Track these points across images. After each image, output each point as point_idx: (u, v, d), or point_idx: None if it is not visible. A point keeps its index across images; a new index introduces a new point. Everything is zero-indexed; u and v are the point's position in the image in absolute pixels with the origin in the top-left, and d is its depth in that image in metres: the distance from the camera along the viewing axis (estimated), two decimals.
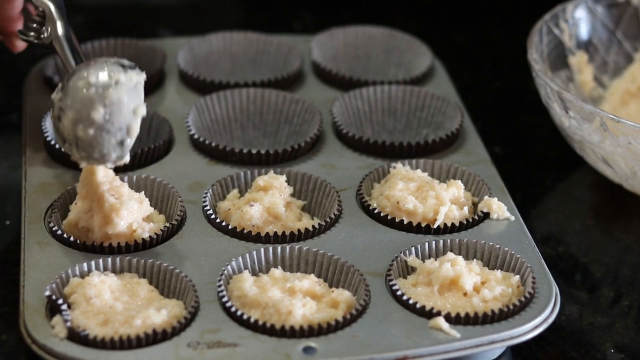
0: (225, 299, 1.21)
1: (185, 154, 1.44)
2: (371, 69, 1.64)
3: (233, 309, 1.20)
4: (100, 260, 1.25)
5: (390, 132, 1.52)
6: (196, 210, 1.34)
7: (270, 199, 1.33)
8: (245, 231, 1.30)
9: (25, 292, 1.22)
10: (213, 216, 1.32)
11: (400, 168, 1.39)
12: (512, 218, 1.35)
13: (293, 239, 1.30)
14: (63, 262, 1.26)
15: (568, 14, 1.61)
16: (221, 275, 1.23)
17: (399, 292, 1.23)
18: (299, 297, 1.21)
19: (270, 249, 1.27)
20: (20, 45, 1.42)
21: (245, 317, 1.19)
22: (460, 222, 1.33)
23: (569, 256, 1.42)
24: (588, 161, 1.50)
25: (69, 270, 1.23)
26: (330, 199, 1.36)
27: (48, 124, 1.43)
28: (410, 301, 1.22)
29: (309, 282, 1.23)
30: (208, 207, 1.33)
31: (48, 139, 1.41)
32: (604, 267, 1.41)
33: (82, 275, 1.24)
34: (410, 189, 1.35)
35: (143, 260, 1.25)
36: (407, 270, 1.28)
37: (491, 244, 1.29)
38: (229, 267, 1.25)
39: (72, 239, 1.28)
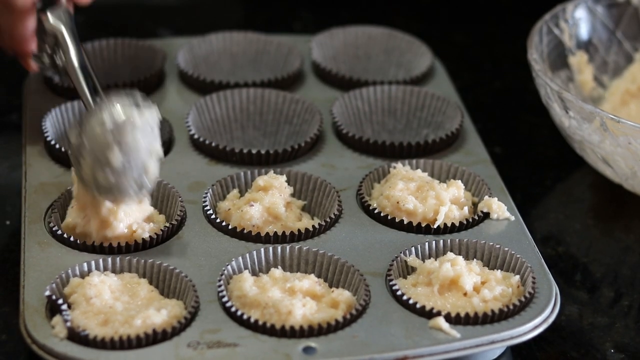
0: (225, 299, 1.21)
1: (185, 154, 1.44)
2: (371, 69, 1.64)
3: (233, 309, 1.20)
4: (100, 260, 1.25)
5: (390, 132, 1.52)
6: (196, 210, 1.34)
7: (270, 199, 1.33)
8: (245, 231, 1.30)
9: (25, 292, 1.22)
10: (213, 216, 1.32)
11: (400, 168, 1.39)
12: (512, 218, 1.35)
13: (293, 239, 1.30)
14: (63, 262, 1.26)
15: (568, 14, 1.61)
16: (221, 275, 1.23)
17: (399, 292, 1.23)
18: (299, 297, 1.21)
19: (270, 249, 1.27)
20: (36, 66, 1.42)
21: (245, 317, 1.19)
22: (460, 222, 1.33)
23: (569, 256, 1.42)
24: (588, 161, 1.50)
25: (69, 270, 1.23)
26: (330, 199, 1.36)
27: (48, 124, 1.43)
28: (410, 301, 1.22)
29: (309, 282, 1.23)
30: (208, 207, 1.33)
31: (48, 139, 1.41)
32: (604, 267, 1.41)
33: (82, 275, 1.24)
34: (410, 189, 1.35)
35: (143, 260, 1.25)
36: (407, 270, 1.28)
37: (491, 244, 1.29)
38: (229, 267, 1.25)
39: (72, 239, 1.28)
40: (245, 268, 1.26)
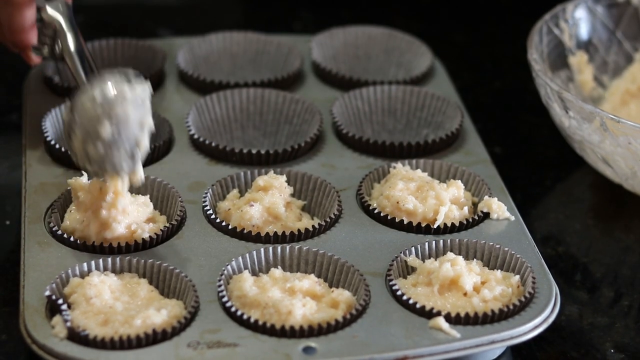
0: (225, 299, 1.21)
1: (185, 154, 1.44)
2: (371, 69, 1.64)
3: (233, 309, 1.20)
4: (100, 260, 1.25)
5: (390, 132, 1.52)
6: (196, 210, 1.34)
7: (270, 199, 1.33)
8: (245, 231, 1.30)
9: (25, 292, 1.22)
10: (213, 216, 1.32)
11: (400, 168, 1.39)
12: (512, 218, 1.35)
13: (293, 239, 1.30)
14: (63, 262, 1.26)
15: (568, 14, 1.61)
16: (221, 275, 1.23)
17: (399, 292, 1.23)
18: (299, 297, 1.21)
19: (270, 249, 1.27)
20: (36, 58, 1.42)
21: (245, 317, 1.19)
22: (460, 222, 1.33)
23: (569, 256, 1.42)
24: (588, 161, 1.50)
25: (69, 270, 1.23)
26: (330, 199, 1.36)
27: (48, 124, 1.43)
28: (410, 301, 1.22)
29: (309, 282, 1.23)
30: (208, 207, 1.33)
31: (48, 139, 1.41)
32: (604, 267, 1.41)
33: (82, 275, 1.24)
34: (410, 189, 1.35)
35: (143, 260, 1.25)
36: (407, 270, 1.28)
37: (491, 244, 1.29)
38: (229, 267, 1.25)
39: (72, 239, 1.28)
40: (245, 268, 1.26)
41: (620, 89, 1.61)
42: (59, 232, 1.28)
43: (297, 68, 1.58)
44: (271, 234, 1.30)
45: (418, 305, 1.21)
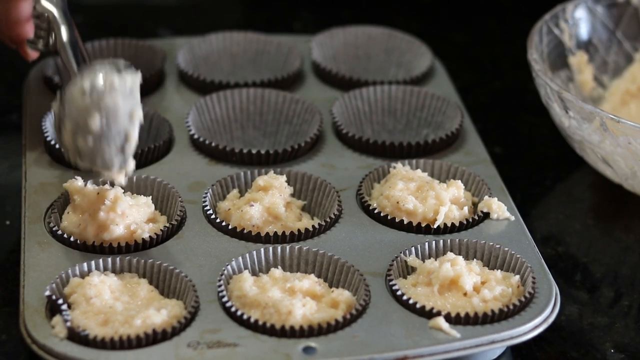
0: (225, 299, 1.21)
1: (185, 154, 1.44)
2: (371, 69, 1.64)
3: (233, 309, 1.20)
4: (100, 260, 1.25)
5: (390, 132, 1.52)
6: (196, 210, 1.34)
7: (270, 199, 1.33)
8: (245, 231, 1.30)
9: (25, 292, 1.22)
10: (213, 216, 1.32)
11: (400, 168, 1.39)
12: (512, 218, 1.35)
13: (293, 239, 1.30)
14: (63, 262, 1.26)
15: (568, 14, 1.61)
16: (221, 275, 1.23)
17: (399, 292, 1.23)
18: (299, 297, 1.21)
19: (270, 249, 1.27)
20: (33, 53, 1.42)
21: (245, 317, 1.19)
22: (460, 222, 1.33)
23: (569, 256, 1.42)
24: (588, 161, 1.50)
25: (69, 270, 1.23)
26: (330, 199, 1.36)
27: (48, 124, 1.43)
28: (410, 301, 1.22)
29: (309, 282, 1.23)
30: (208, 207, 1.33)
31: (48, 139, 1.41)
32: (604, 267, 1.41)
33: (82, 275, 1.24)
34: (410, 189, 1.35)
35: (143, 260, 1.25)
36: (407, 270, 1.28)
37: (491, 244, 1.29)
38: (229, 267, 1.25)
39: (72, 239, 1.28)
40: (245, 268, 1.26)
41: (620, 89, 1.61)
42: (59, 232, 1.28)
43: (297, 68, 1.58)
44: (271, 234, 1.30)
45: (418, 305, 1.21)
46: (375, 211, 1.34)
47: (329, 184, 1.37)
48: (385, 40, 1.65)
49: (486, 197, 1.36)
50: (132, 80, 1.25)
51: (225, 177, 1.38)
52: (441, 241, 1.29)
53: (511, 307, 1.21)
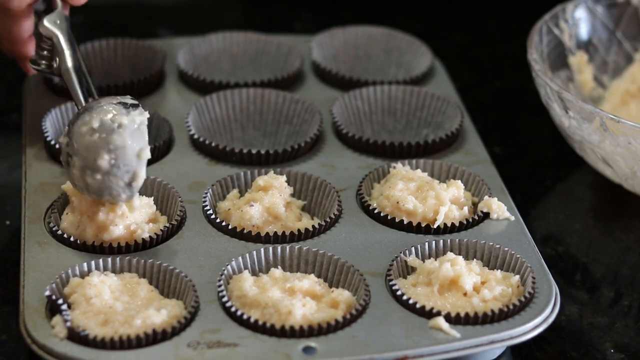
0: (225, 299, 1.21)
1: (185, 154, 1.44)
2: (371, 69, 1.64)
3: (233, 309, 1.20)
4: (100, 260, 1.25)
5: (390, 132, 1.52)
6: (196, 210, 1.34)
7: (270, 199, 1.33)
8: (245, 231, 1.30)
9: (25, 292, 1.22)
10: (213, 216, 1.32)
11: (400, 168, 1.39)
12: (512, 218, 1.35)
13: (293, 239, 1.30)
14: (63, 262, 1.26)
15: (568, 14, 1.61)
16: (221, 275, 1.23)
17: (399, 292, 1.23)
18: (299, 297, 1.21)
19: (270, 249, 1.27)
20: (33, 69, 1.42)
21: (245, 317, 1.19)
22: (460, 222, 1.33)
23: (569, 256, 1.42)
24: (588, 161, 1.50)
25: (69, 270, 1.23)
26: (330, 199, 1.36)
27: (48, 124, 1.43)
28: (410, 301, 1.22)
29: (309, 282, 1.23)
30: (208, 207, 1.33)
31: (48, 139, 1.41)
32: (604, 267, 1.41)
33: (82, 275, 1.24)
34: (410, 189, 1.35)
35: (143, 260, 1.25)
36: (407, 270, 1.28)
37: (491, 244, 1.29)
38: (229, 267, 1.25)
39: (72, 239, 1.28)
40: (245, 268, 1.26)
41: (620, 89, 1.61)
42: (59, 232, 1.28)
43: (297, 68, 1.58)
44: (271, 234, 1.30)
45: (418, 305, 1.21)
46: (375, 211, 1.34)
47: (329, 184, 1.37)
48: (385, 40, 1.65)
49: (486, 197, 1.36)
50: (141, 119, 1.26)
51: (225, 177, 1.38)
52: (441, 241, 1.29)
53: (511, 307, 1.21)
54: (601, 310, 1.34)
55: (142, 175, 1.27)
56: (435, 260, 1.27)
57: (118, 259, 1.25)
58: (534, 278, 1.24)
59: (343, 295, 1.22)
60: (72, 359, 1.15)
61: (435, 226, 1.32)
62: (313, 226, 1.31)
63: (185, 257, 1.28)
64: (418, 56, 1.63)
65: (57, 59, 1.36)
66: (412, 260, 1.28)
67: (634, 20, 1.65)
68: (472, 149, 1.47)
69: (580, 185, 1.55)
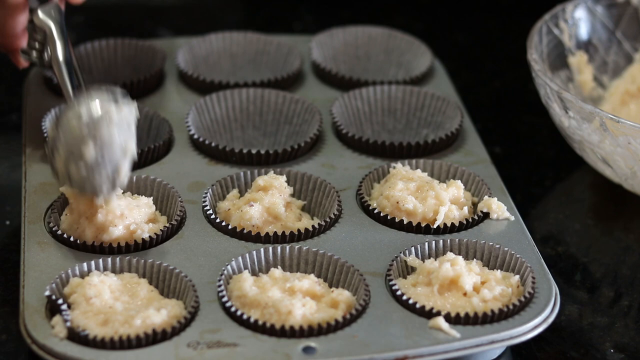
0: (225, 299, 1.21)
1: (185, 154, 1.44)
2: (371, 69, 1.64)
3: (233, 309, 1.20)
4: (100, 260, 1.25)
5: (390, 132, 1.52)
6: (196, 210, 1.34)
7: (270, 199, 1.33)
8: (245, 231, 1.30)
9: (25, 292, 1.22)
10: (213, 216, 1.32)
11: (400, 168, 1.39)
12: (512, 218, 1.35)
13: (293, 239, 1.30)
14: (63, 262, 1.26)
15: (568, 14, 1.61)
16: (221, 275, 1.23)
17: (398, 292, 1.23)
18: (299, 297, 1.21)
19: (270, 249, 1.27)
20: (25, 62, 1.42)
21: (245, 317, 1.19)
22: (460, 222, 1.33)
23: (569, 256, 1.42)
24: (588, 161, 1.50)
25: (69, 270, 1.23)
26: (330, 199, 1.36)
27: (48, 124, 1.43)
28: (410, 301, 1.22)
29: (308, 282, 1.23)
30: (208, 207, 1.33)
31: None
32: (603, 267, 1.41)
33: (82, 275, 1.24)
34: (410, 189, 1.35)
35: (143, 260, 1.25)
36: (407, 270, 1.28)
37: (491, 244, 1.29)
38: (229, 267, 1.25)
39: (72, 239, 1.28)
40: (245, 268, 1.26)
41: (620, 89, 1.61)
42: (59, 232, 1.28)
43: (297, 68, 1.58)
44: (271, 234, 1.30)
45: (418, 305, 1.21)
46: (375, 211, 1.34)
47: (329, 184, 1.37)
48: (385, 40, 1.65)
49: (486, 197, 1.36)
50: (129, 112, 1.26)
51: (225, 177, 1.38)
52: (441, 241, 1.29)
53: (511, 307, 1.21)
54: (601, 310, 1.34)
55: (125, 170, 1.26)
56: (435, 260, 1.28)
57: (118, 259, 1.25)
58: (533, 278, 1.24)
59: (343, 295, 1.22)
60: (72, 359, 1.15)
61: (435, 226, 1.32)
62: (313, 226, 1.31)
63: (185, 257, 1.28)
64: (418, 56, 1.63)
65: (49, 50, 1.36)
66: (412, 260, 1.28)
67: (634, 20, 1.65)
68: (472, 149, 1.47)
69: (580, 185, 1.56)
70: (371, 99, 1.53)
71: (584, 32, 1.63)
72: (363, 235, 1.32)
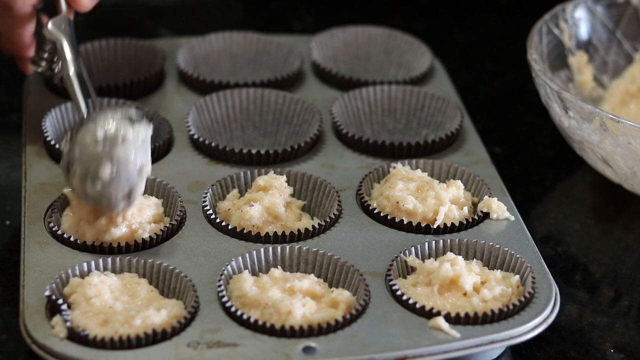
0: (225, 299, 1.21)
1: (185, 154, 1.44)
2: (371, 69, 1.64)
3: (233, 309, 1.20)
4: (100, 260, 1.25)
5: (390, 132, 1.52)
6: (196, 210, 1.34)
7: (270, 199, 1.33)
8: (245, 231, 1.30)
9: (25, 292, 1.22)
10: (213, 216, 1.32)
11: (400, 168, 1.39)
12: (512, 218, 1.35)
13: (293, 239, 1.30)
14: (63, 262, 1.26)
15: (568, 14, 1.61)
16: (221, 275, 1.23)
17: (398, 292, 1.23)
18: (299, 297, 1.21)
19: (270, 249, 1.27)
20: (32, 69, 1.42)
21: (245, 317, 1.19)
22: (460, 222, 1.33)
23: (569, 256, 1.42)
24: (588, 161, 1.50)
25: (69, 270, 1.23)
26: (330, 199, 1.36)
27: (48, 124, 1.43)
28: (410, 301, 1.22)
29: (308, 282, 1.23)
30: (208, 207, 1.33)
31: (48, 139, 1.41)
32: (603, 267, 1.41)
33: (82, 275, 1.24)
34: (410, 189, 1.35)
35: (143, 260, 1.25)
36: (407, 270, 1.28)
37: (491, 244, 1.29)
38: (229, 267, 1.25)
39: (72, 239, 1.28)
40: (245, 268, 1.26)
41: (620, 89, 1.61)
42: (59, 232, 1.28)
43: (297, 68, 1.58)
44: (271, 234, 1.30)
45: (418, 305, 1.21)
46: (375, 211, 1.34)
47: (329, 184, 1.37)
48: (385, 40, 1.65)
49: (486, 197, 1.36)
50: (145, 132, 1.26)
51: (225, 177, 1.38)
52: (441, 241, 1.29)
53: (511, 307, 1.21)
54: (601, 310, 1.34)
55: (140, 190, 1.27)
56: (435, 260, 1.28)
57: (118, 259, 1.25)
58: (533, 278, 1.24)
59: (343, 295, 1.22)
60: (72, 359, 1.15)
61: (435, 226, 1.32)
62: (313, 226, 1.31)
63: (185, 257, 1.28)
64: (418, 56, 1.63)
65: (59, 64, 1.36)
66: (412, 260, 1.28)
67: (634, 20, 1.65)
68: (472, 149, 1.47)
69: (580, 185, 1.56)
70: (371, 99, 1.53)
71: (584, 32, 1.63)
72: (363, 235, 1.32)
